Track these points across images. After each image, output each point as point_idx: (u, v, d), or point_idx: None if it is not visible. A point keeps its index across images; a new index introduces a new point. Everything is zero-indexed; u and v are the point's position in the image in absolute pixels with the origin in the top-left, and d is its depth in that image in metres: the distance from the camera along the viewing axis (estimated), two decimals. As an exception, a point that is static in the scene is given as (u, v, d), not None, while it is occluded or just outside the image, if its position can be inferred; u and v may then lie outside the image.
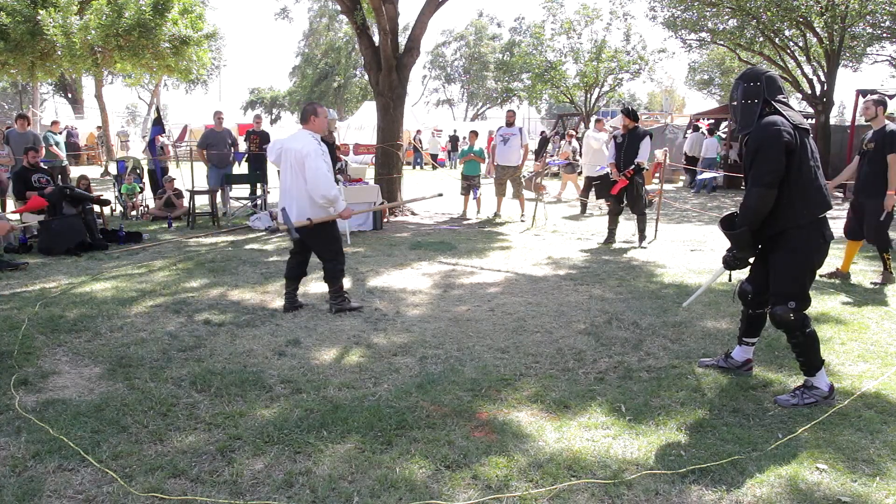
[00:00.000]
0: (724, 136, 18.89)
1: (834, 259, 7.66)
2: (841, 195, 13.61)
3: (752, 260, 3.90)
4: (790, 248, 3.57)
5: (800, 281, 3.58)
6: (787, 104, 3.62)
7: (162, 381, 3.94)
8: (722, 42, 19.40)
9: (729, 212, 3.93)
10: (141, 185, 11.82)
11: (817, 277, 6.61)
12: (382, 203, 9.99)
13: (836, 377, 4.00)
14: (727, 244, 3.91)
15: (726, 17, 17.28)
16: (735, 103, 3.75)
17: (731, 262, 3.89)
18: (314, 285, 6.40)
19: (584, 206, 12.55)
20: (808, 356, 3.64)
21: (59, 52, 18.98)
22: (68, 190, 8.69)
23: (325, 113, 5.48)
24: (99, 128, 26.42)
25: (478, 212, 11.80)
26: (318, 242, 5.46)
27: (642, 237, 8.79)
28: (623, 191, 8.58)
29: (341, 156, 11.60)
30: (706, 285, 4.49)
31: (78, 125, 29.05)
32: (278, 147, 5.46)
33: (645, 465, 3.02)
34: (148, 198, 12.15)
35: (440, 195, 7.90)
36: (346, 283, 6.52)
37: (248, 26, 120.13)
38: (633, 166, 8.38)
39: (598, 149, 12.17)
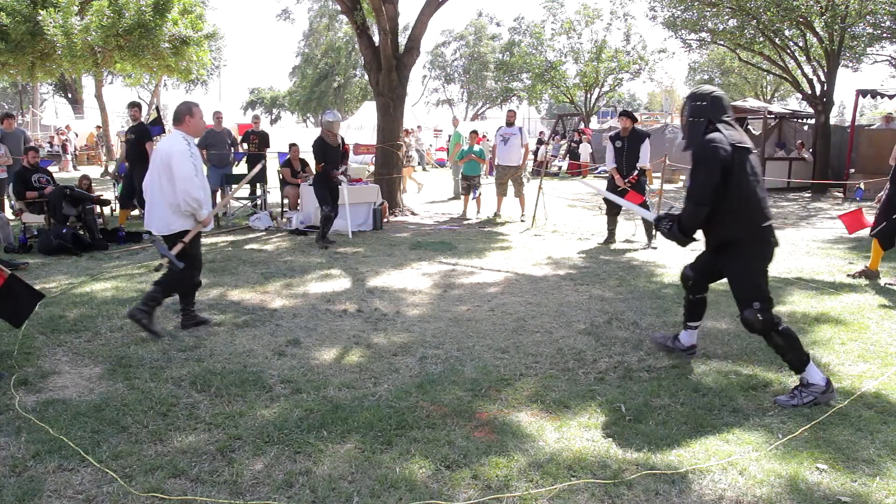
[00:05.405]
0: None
1: (830, 260, 7.67)
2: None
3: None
4: (740, 256, 3.79)
5: (755, 282, 3.75)
6: (731, 124, 3.82)
7: (162, 381, 3.94)
8: (722, 42, 19.38)
9: (674, 211, 4.09)
10: None
11: (819, 277, 6.68)
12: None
13: (836, 377, 4.00)
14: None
15: (726, 17, 17.24)
16: (683, 121, 3.98)
17: (665, 235, 4.07)
18: (314, 285, 6.41)
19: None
20: (792, 353, 3.70)
21: (60, 53, 18.95)
22: (68, 190, 8.68)
23: (200, 113, 4.85)
24: (98, 127, 26.42)
25: (478, 212, 11.80)
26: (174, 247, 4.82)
27: (650, 237, 8.71)
28: (624, 192, 8.52)
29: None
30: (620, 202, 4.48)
31: (77, 125, 29.03)
32: None
33: (645, 465, 3.02)
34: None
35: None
36: (346, 283, 6.54)
37: (248, 26, 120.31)
38: (636, 171, 8.35)
39: None
